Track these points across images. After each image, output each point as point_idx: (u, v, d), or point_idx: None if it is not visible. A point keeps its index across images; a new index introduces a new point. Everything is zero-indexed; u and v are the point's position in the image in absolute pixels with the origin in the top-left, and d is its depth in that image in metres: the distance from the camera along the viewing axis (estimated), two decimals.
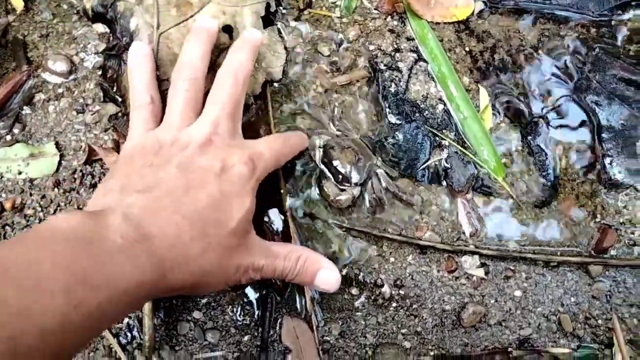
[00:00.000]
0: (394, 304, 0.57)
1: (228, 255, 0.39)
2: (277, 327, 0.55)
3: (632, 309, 0.58)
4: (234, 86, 0.47)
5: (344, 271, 0.57)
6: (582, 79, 0.68)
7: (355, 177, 0.59)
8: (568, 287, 0.59)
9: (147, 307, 0.53)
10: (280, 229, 0.57)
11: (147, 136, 0.44)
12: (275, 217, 0.57)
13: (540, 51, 0.69)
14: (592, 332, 0.58)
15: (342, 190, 0.59)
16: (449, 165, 0.62)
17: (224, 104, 0.45)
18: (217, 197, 0.39)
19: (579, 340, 0.57)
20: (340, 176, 0.58)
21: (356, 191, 0.59)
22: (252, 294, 0.56)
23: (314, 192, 0.60)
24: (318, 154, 0.59)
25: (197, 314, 0.55)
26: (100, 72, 0.61)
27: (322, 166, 0.60)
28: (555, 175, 0.62)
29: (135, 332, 0.53)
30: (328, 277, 0.47)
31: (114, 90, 0.60)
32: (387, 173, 0.61)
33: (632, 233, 0.61)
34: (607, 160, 0.64)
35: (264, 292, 0.56)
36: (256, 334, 0.55)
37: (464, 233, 0.59)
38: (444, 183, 0.61)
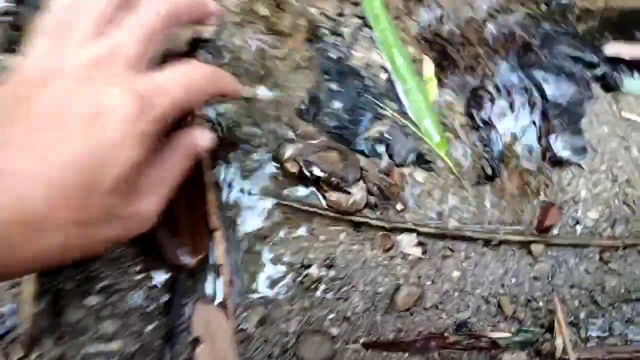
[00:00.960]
0: (322, 287, 0.51)
1: (94, 228, 0.32)
2: (187, 315, 0.49)
3: (574, 290, 0.55)
4: (153, 14, 0.37)
5: (267, 249, 0.51)
6: (530, 54, 0.65)
7: (351, 176, 0.53)
8: (509, 268, 0.55)
9: (27, 291, 0.45)
10: None
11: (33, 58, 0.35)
12: None
13: (489, 24, 0.65)
14: (533, 315, 0.54)
15: (348, 193, 0.53)
16: (390, 137, 0.56)
17: (133, 26, 0.36)
18: (88, 151, 0.31)
19: (520, 324, 0.53)
20: (336, 181, 0.52)
21: (361, 186, 0.54)
22: (159, 276, 0.49)
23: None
24: (303, 169, 0.52)
25: (92, 300, 0.47)
26: (7, 19, 0.52)
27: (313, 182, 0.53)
28: (499, 151, 0.59)
29: (10, 322, 0.45)
30: (210, 141, 0.42)
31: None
32: None
33: (576, 211, 0.58)
34: (552, 137, 0.61)
35: (172, 274, 0.49)
36: (162, 322, 0.48)
37: (401, 210, 0.54)
38: (385, 156, 0.56)
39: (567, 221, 0.57)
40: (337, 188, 0.53)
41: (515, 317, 0.54)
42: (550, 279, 0.55)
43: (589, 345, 0.54)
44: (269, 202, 0.52)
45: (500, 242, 0.55)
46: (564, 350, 0.53)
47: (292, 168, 0.53)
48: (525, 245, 0.56)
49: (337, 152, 0.54)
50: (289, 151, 0.53)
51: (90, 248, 0.35)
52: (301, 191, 0.54)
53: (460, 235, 0.54)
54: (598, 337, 0.54)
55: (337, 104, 0.57)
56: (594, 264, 0.56)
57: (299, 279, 0.51)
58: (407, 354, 0.50)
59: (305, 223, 0.52)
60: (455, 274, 0.54)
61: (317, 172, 0.52)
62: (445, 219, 0.55)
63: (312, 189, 0.53)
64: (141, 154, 0.34)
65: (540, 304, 0.54)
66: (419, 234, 0.54)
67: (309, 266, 0.51)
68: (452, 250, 0.55)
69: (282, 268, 0.51)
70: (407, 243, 0.54)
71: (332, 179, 0.52)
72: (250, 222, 0.52)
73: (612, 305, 0.55)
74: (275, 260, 0.51)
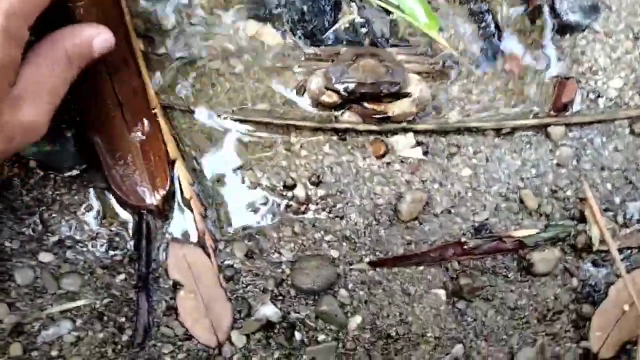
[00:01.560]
0: (313, 207, 0.44)
1: None
2: (161, 259, 0.42)
3: (604, 173, 0.48)
4: None
5: (241, 174, 0.44)
6: None
7: (400, 76, 0.44)
8: (527, 158, 0.47)
9: None
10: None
11: None
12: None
13: None
14: (561, 207, 0.47)
15: (407, 95, 0.44)
16: (363, 20, 0.48)
17: None
18: None
19: (547, 219, 0.46)
20: (386, 89, 0.43)
21: (416, 81, 0.45)
22: (119, 221, 0.42)
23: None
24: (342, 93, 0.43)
25: (45, 257, 0.40)
26: None
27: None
28: (496, 26, 0.50)
29: None
30: (104, 42, 0.36)
31: None
32: None
33: (595, 82, 0.50)
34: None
35: (135, 216, 0.42)
36: (132, 271, 0.41)
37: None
38: (366, 41, 0.48)
39: (586, 95, 0.49)
40: (390, 95, 0.44)
41: (541, 211, 0.46)
42: (576, 163, 0.47)
43: (629, 231, 0.47)
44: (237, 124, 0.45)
45: (513, 129, 0.47)
46: (603, 240, 0.46)
47: (330, 98, 0.44)
48: (542, 129, 0.48)
49: (371, 57, 0.44)
50: (314, 83, 0.44)
51: None
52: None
53: (465, 127, 0.47)
54: (638, 220, 0.47)
55: None
56: (625, 140, 0.48)
57: (284, 202, 0.44)
58: (421, 267, 0.43)
59: (281, 139, 0.45)
60: (466, 172, 0.46)
61: (362, 89, 0.43)
62: (445, 111, 0.47)
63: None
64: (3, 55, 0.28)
65: (568, 193, 0.47)
66: (416, 132, 0.47)
67: (292, 186, 0.44)
68: (458, 147, 0.47)
69: (262, 193, 0.44)
70: (404, 145, 0.46)
71: (382, 88, 0.43)
72: (218, 146, 0.45)
73: None
74: (253, 186, 0.44)
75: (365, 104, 0.44)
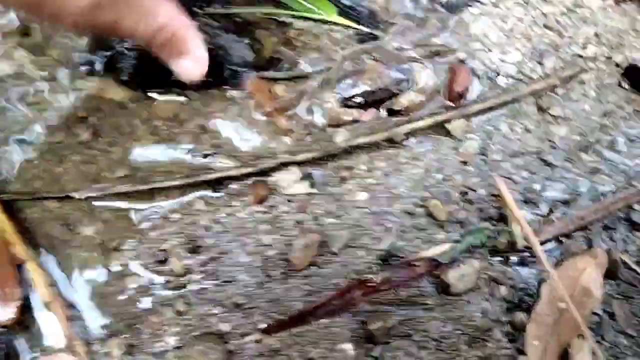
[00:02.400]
0: (195, 277, 0.38)
1: None
2: None
3: (517, 160, 0.43)
4: None
5: (108, 258, 0.38)
6: None
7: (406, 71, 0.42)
8: (429, 163, 0.42)
9: None
10: None
11: None
12: None
13: None
14: (476, 209, 0.42)
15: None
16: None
17: None
18: None
19: (462, 227, 0.42)
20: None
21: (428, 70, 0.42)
22: None
23: None
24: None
25: None
26: None
27: None
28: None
29: None
30: (189, 67, 0.36)
31: None
32: None
33: (491, 60, 0.44)
34: None
35: None
36: None
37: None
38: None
39: (483, 77, 0.43)
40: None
41: (454, 220, 0.41)
42: (484, 157, 0.43)
43: (554, 219, 0.42)
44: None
45: (408, 134, 0.42)
46: (525, 237, 0.41)
47: (350, 115, 0.41)
48: (439, 127, 0.42)
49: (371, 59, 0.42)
50: (330, 105, 0.41)
51: None
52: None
53: (353, 146, 0.41)
54: (564, 202, 0.43)
55: None
56: (533, 118, 0.43)
57: (161, 279, 0.39)
58: (326, 320, 0.39)
59: (147, 206, 0.39)
60: (362, 196, 0.41)
61: (375, 96, 0.41)
62: (330, 134, 0.42)
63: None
64: None
65: (481, 191, 0.42)
66: (299, 164, 0.41)
67: (166, 260, 0.39)
68: (349, 169, 0.42)
69: (134, 275, 0.39)
70: (288, 181, 0.41)
71: (394, 89, 0.41)
72: (78, 231, 0.39)
73: (568, 159, 0.43)
74: (123, 268, 0.39)
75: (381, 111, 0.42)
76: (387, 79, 0.41)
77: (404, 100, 0.41)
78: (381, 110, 0.42)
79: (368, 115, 0.41)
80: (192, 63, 0.35)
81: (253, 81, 0.41)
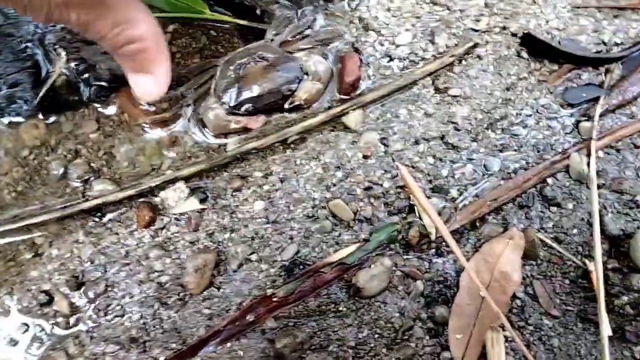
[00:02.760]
0: (85, 315, 0.35)
1: None
2: None
3: (420, 146, 0.41)
4: None
5: None
6: None
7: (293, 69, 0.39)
8: (327, 161, 0.40)
9: None
10: None
11: None
12: None
13: None
14: (382, 204, 0.39)
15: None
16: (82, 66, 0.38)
17: None
18: None
19: (370, 223, 0.39)
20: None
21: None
22: None
23: None
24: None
25: None
26: None
27: None
28: None
29: None
30: (148, 87, 0.33)
31: None
32: None
33: (381, 44, 0.42)
34: None
35: None
36: None
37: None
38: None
39: (375, 63, 0.41)
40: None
41: (360, 218, 0.39)
42: (384, 147, 0.40)
43: (466, 204, 0.40)
44: None
45: (302, 134, 0.39)
46: (436, 227, 0.39)
47: (238, 124, 0.38)
48: (335, 121, 0.40)
49: (252, 61, 0.38)
50: (212, 115, 0.38)
51: None
52: None
53: (243, 152, 0.39)
54: (475, 184, 0.41)
55: None
56: (433, 100, 0.41)
57: (49, 322, 0.35)
58: (229, 344, 0.36)
59: (23, 245, 0.36)
60: (259, 205, 0.38)
61: (265, 101, 0.38)
62: (218, 142, 0.39)
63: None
64: None
65: (386, 184, 0.39)
66: (186, 179, 0.38)
67: (50, 301, 0.35)
68: (242, 177, 0.39)
69: (17, 320, 0.35)
70: (176, 199, 0.38)
71: (283, 90, 0.38)
72: None
73: (474, 139, 0.41)
74: (5, 314, 0.35)
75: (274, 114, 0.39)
76: (276, 81, 0.39)
77: (301, 94, 0.39)
78: (274, 113, 0.40)
79: (257, 123, 0.39)
80: (153, 84, 0.32)
81: (122, 96, 0.38)
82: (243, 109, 0.38)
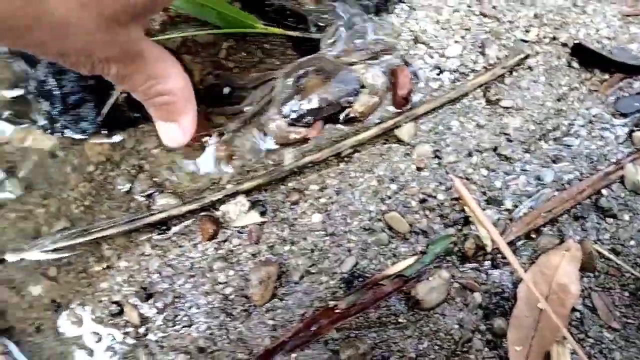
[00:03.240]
0: (154, 325, 0.37)
1: (105, 26, 0.26)
2: None
3: (474, 158, 0.41)
4: None
5: (59, 315, 0.37)
6: None
7: (351, 81, 0.40)
8: (382, 173, 0.40)
9: None
10: None
11: None
12: None
13: None
14: (438, 216, 0.40)
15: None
16: None
17: None
18: None
19: (426, 236, 0.40)
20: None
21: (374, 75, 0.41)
22: None
23: None
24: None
25: None
26: None
27: None
28: None
29: None
30: (174, 134, 0.35)
31: None
32: None
33: (430, 57, 0.42)
34: None
35: None
36: None
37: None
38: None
39: (425, 76, 0.42)
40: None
41: (416, 230, 0.39)
42: (438, 159, 0.41)
43: (520, 216, 0.40)
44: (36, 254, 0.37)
45: (354, 147, 0.40)
46: (492, 239, 0.39)
47: (299, 134, 0.39)
48: (388, 134, 0.41)
49: (311, 73, 0.40)
50: (274, 126, 0.39)
51: None
52: None
53: (300, 166, 0.40)
54: (529, 196, 0.41)
55: None
56: (484, 112, 0.41)
57: (120, 332, 0.37)
58: (295, 354, 0.37)
59: (92, 257, 0.38)
60: (316, 217, 0.39)
61: (323, 113, 0.39)
62: (275, 156, 0.40)
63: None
64: None
65: (440, 197, 0.40)
66: (247, 193, 0.39)
67: (120, 311, 0.37)
68: (299, 191, 0.40)
69: (90, 331, 0.37)
70: (237, 212, 0.39)
71: (342, 102, 0.39)
72: (22, 293, 0.37)
73: (527, 150, 0.41)
74: (78, 325, 0.37)
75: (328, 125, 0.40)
76: (335, 93, 0.39)
77: (357, 106, 0.40)
78: (328, 124, 0.41)
79: (315, 130, 0.40)
80: (179, 133, 0.34)
81: None
82: (304, 121, 0.39)
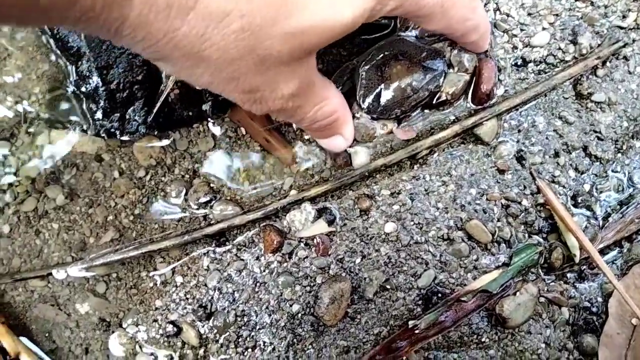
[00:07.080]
0: (214, 347, 0.33)
1: (263, 64, 0.26)
2: None
3: (560, 158, 0.37)
4: None
5: (110, 336, 0.34)
6: None
7: (437, 63, 0.35)
8: (460, 176, 0.37)
9: None
10: None
11: None
12: None
13: None
14: (522, 224, 0.36)
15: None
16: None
17: None
18: None
19: (509, 244, 0.36)
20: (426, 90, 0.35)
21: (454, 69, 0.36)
22: None
23: None
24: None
25: None
26: None
27: None
28: None
29: None
30: (338, 144, 0.36)
31: None
32: None
33: (515, 48, 0.38)
34: None
35: None
36: None
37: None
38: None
39: (508, 69, 0.38)
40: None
41: (499, 239, 0.36)
42: (521, 160, 0.37)
43: (611, 222, 0.37)
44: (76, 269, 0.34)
45: (431, 148, 0.36)
46: (582, 247, 0.36)
47: (385, 128, 0.36)
48: (467, 133, 0.37)
49: (393, 60, 0.35)
50: (359, 124, 0.36)
51: None
52: None
53: (371, 170, 0.36)
54: (621, 200, 0.37)
55: None
56: (573, 107, 0.37)
57: (177, 354, 0.34)
58: None
59: (145, 272, 0.34)
60: (389, 227, 0.35)
61: (409, 102, 0.35)
62: (342, 159, 0.36)
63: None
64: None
65: (525, 202, 0.36)
66: (312, 200, 0.36)
67: (178, 332, 0.34)
68: (370, 197, 0.36)
69: (145, 352, 0.34)
70: (303, 221, 0.35)
71: (429, 87, 0.34)
72: (70, 311, 0.34)
73: (619, 149, 0.37)
74: (131, 346, 0.34)
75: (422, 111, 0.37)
76: (422, 78, 0.35)
77: (447, 88, 0.35)
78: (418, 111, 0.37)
79: (407, 134, 0.36)
80: (343, 141, 0.35)
81: (239, 110, 0.35)
82: (391, 113, 0.35)
